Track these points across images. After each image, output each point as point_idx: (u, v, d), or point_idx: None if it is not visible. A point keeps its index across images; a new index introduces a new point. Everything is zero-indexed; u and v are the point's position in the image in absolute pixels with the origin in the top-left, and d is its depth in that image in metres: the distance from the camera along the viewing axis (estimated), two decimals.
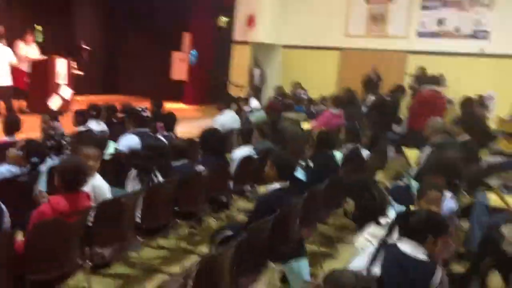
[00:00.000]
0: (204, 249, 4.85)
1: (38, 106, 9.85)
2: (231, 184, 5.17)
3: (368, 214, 3.22)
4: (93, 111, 6.06)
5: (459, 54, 13.38)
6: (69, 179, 3.15)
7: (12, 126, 5.05)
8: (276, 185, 3.76)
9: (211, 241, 3.89)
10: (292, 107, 8.55)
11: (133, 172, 4.09)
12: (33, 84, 10.12)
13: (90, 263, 3.38)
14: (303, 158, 5.22)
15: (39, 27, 12.90)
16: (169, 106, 10.91)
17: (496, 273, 4.07)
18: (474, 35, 13.34)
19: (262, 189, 6.13)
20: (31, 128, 5.84)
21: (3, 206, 3.01)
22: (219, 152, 4.90)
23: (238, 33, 14.12)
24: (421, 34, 14.02)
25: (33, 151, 3.95)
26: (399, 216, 2.79)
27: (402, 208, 4.04)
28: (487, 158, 6.22)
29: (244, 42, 14.32)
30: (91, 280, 3.62)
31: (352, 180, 4.45)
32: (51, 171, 3.83)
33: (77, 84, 11.19)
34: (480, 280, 3.98)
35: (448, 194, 3.72)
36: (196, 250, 4.81)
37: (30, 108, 9.94)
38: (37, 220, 2.98)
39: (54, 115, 5.59)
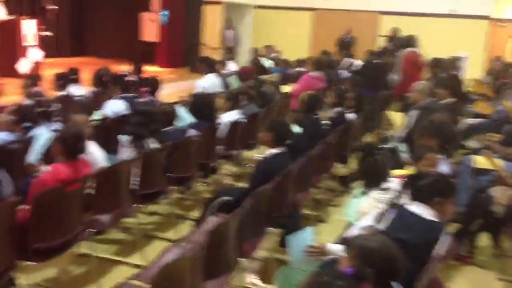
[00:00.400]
0: (195, 214, 4.85)
1: (7, 69, 9.51)
2: (219, 149, 5.15)
3: (372, 178, 3.24)
4: (74, 75, 5.87)
5: (431, 14, 13.49)
6: (70, 147, 3.08)
7: None
8: (273, 151, 3.76)
9: (208, 206, 3.89)
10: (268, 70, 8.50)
11: (125, 139, 4.01)
12: (1, 46, 9.70)
13: (91, 230, 3.34)
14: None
15: None
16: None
17: (484, 234, 4.23)
18: None
19: (247, 154, 6.18)
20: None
21: (4, 174, 2.92)
22: (210, 117, 4.85)
23: None
24: None
25: (25, 116, 3.84)
26: (409, 178, 2.83)
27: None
28: (466, 120, 6.36)
29: (216, 2, 14.03)
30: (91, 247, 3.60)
31: (357, 145, 4.46)
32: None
33: (44, 46, 10.78)
34: (469, 240, 4.12)
35: (441, 157, 3.79)
36: (188, 215, 4.81)
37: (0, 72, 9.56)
38: (39, 189, 2.91)
39: (35, 80, 5.39)
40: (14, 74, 9.45)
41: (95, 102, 5.30)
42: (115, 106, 5.10)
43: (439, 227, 2.61)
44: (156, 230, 4.48)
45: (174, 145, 4.18)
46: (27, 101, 4.69)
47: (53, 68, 10.78)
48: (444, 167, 3.84)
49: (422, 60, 7.30)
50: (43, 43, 10.56)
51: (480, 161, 4.68)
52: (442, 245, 2.57)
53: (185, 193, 5.26)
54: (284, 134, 3.79)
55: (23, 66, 9.89)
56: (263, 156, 3.82)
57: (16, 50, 9.68)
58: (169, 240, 4.29)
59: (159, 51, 14.11)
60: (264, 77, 7.78)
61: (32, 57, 10.15)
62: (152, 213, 4.74)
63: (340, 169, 5.69)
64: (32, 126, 4.06)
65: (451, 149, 4.09)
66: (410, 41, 7.30)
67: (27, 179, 3.39)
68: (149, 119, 4.02)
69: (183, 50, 14.37)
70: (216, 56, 13.42)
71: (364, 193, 3.36)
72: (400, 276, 2.08)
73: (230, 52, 13.71)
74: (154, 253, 3.96)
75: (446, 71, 7.31)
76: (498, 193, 4.04)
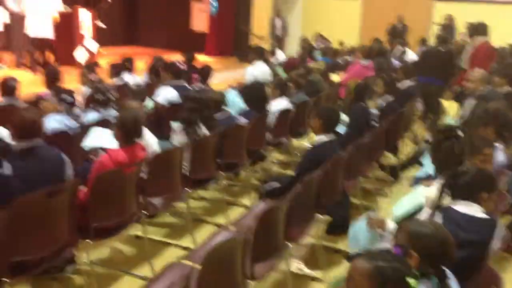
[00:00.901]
0: (244, 200, 4.94)
1: (65, 58, 9.90)
2: (268, 136, 5.19)
3: (447, 164, 3.09)
4: (128, 64, 6.05)
5: (488, 1, 13.01)
6: (128, 131, 3.21)
7: (53, 77, 5.08)
8: (323, 138, 3.78)
9: (259, 192, 3.96)
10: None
11: (178, 125, 4.11)
12: (59, 36, 10.07)
13: (145, 212, 3.47)
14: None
15: None
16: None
17: None
18: None
19: (295, 142, 6.21)
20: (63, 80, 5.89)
21: (65, 157, 3.07)
22: (262, 105, 4.91)
23: None
24: None
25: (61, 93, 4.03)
26: (449, 177, 2.75)
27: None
28: None
29: None
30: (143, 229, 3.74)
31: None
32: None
33: (99, 36, 11.13)
34: None
35: (499, 146, 3.68)
36: (236, 202, 4.90)
37: (58, 61, 9.96)
38: (98, 170, 3.05)
39: (92, 68, 5.60)
40: (71, 62, 9.84)
41: (148, 90, 5.44)
42: (166, 93, 5.23)
43: (492, 223, 2.55)
44: (205, 215, 4.58)
45: (225, 131, 4.26)
46: (84, 88, 4.87)
47: (106, 58, 11.18)
48: (500, 157, 3.74)
49: (493, 51, 6.95)
50: (97, 33, 10.91)
51: None
52: (497, 239, 2.52)
53: (233, 179, 5.36)
54: (334, 121, 3.80)
55: (80, 55, 10.26)
56: (312, 143, 3.83)
57: (74, 39, 10.04)
58: (218, 225, 4.40)
59: (208, 41, 14.27)
60: (312, 65, 7.73)
61: (88, 47, 10.50)
62: (201, 198, 4.85)
63: (389, 159, 5.63)
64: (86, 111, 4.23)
65: (509, 138, 3.94)
66: (484, 29, 6.84)
67: (84, 164, 3.56)
68: (201, 106, 4.11)
69: (232, 40, 14.49)
70: (265, 45, 13.50)
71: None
72: (451, 261, 2.06)
73: (279, 41, 13.71)
74: (203, 236, 4.10)
75: (504, 59, 7.02)
76: None
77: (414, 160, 5.56)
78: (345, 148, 3.99)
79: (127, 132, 3.22)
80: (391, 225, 2.79)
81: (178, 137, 4.08)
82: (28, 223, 2.59)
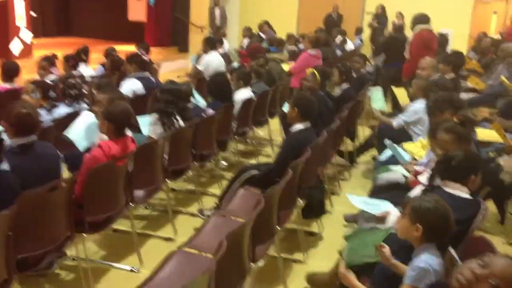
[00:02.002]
0: (213, 190, 5.03)
1: (0, 51, 9.43)
2: (233, 126, 5.29)
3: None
4: (84, 55, 5.91)
5: None
6: (119, 124, 3.21)
7: (11, 72, 4.90)
8: (300, 126, 3.94)
9: (234, 181, 4.05)
10: (267, 49, 8.60)
11: (154, 116, 4.12)
12: None
13: (131, 205, 3.49)
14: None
15: None
16: (128, 48, 10.69)
17: (491, 201, 4.50)
18: None
19: (259, 131, 6.35)
20: None
21: (59, 152, 3.04)
22: (228, 96, 4.99)
23: None
24: None
25: (46, 89, 3.96)
26: (440, 161, 2.98)
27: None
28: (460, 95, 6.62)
29: None
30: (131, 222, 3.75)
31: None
32: None
33: (31, 27, 10.67)
34: None
35: None
36: (206, 191, 4.98)
37: None
38: (90, 164, 3.03)
39: (52, 60, 5.42)
40: (7, 55, 9.38)
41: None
42: (131, 85, 5.18)
43: (477, 203, 2.78)
44: (179, 206, 4.63)
45: (200, 122, 4.32)
46: (48, 80, 4.74)
47: (41, 49, 10.73)
48: None
49: (435, 39, 7.31)
50: (31, 24, 10.46)
51: (483, 133, 4.95)
52: (481, 216, 2.76)
53: (199, 170, 5.42)
54: (310, 110, 3.95)
55: (15, 47, 9.81)
56: (291, 131, 3.97)
57: (9, 31, 9.58)
58: (194, 215, 4.47)
59: (146, 31, 14.04)
60: (274, 55, 7.89)
61: (23, 38, 10.06)
62: (172, 190, 4.87)
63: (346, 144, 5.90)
64: (57, 105, 4.15)
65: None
66: (426, 18, 7.20)
67: (73, 151, 3.51)
68: (177, 97, 4.14)
69: (170, 30, 14.34)
70: (203, 35, 13.47)
71: None
72: (451, 232, 2.29)
73: (219, 30, 13.73)
74: (184, 226, 4.17)
75: (443, 47, 7.50)
76: (506, 162, 4.30)
77: (369, 145, 5.87)
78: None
79: (118, 125, 3.22)
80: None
81: (154, 129, 4.09)
82: (31, 219, 2.57)
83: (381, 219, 3.04)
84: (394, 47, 7.87)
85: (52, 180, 2.76)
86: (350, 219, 4.30)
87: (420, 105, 5.09)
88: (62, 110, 4.21)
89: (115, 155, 3.14)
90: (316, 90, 5.43)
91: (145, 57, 5.44)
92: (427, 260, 2.24)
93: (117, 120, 3.21)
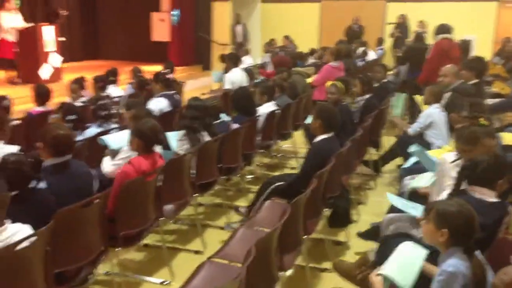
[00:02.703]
0: (240, 202, 5.11)
1: (29, 76, 9.74)
2: (257, 139, 5.38)
3: None
4: (112, 77, 6.11)
5: (437, 0, 13.68)
6: (149, 140, 3.33)
7: (43, 95, 5.11)
8: (323, 136, 4.00)
9: (260, 193, 4.12)
10: (296, 61, 8.69)
11: (181, 132, 4.24)
12: (22, 53, 9.91)
13: (161, 219, 3.59)
14: None
15: None
16: (154, 68, 10.94)
17: None
18: None
19: (283, 144, 6.42)
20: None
21: (93, 171, 3.17)
22: (251, 110, 5.10)
23: None
24: None
25: (68, 111, 4.13)
26: (466, 166, 2.99)
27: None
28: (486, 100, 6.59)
29: None
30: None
31: None
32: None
33: (60, 51, 11.00)
34: None
35: None
36: (234, 205, 5.06)
37: (22, 79, 9.81)
38: (122, 179, 3.15)
39: (81, 83, 5.63)
40: (36, 80, 9.67)
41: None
42: (158, 104, 5.34)
43: (504, 206, 2.79)
44: (207, 220, 4.72)
45: (224, 137, 4.42)
46: (79, 102, 4.93)
47: (70, 73, 11.07)
48: None
49: (456, 48, 7.30)
50: (60, 48, 10.78)
51: (507, 138, 4.92)
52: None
53: (225, 184, 5.51)
54: (333, 121, 4.01)
55: (45, 72, 10.13)
56: (315, 142, 4.04)
57: (38, 56, 9.90)
58: (222, 228, 4.55)
59: (170, 50, 14.31)
60: (299, 69, 7.99)
61: (52, 63, 10.38)
62: (199, 204, 4.96)
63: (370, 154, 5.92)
64: (77, 120, 4.31)
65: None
66: (447, 28, 7.23)
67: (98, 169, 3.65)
68: (203, 113, 4.26)
69: (194, 48, 14.60)
70: (227, 52, 13.68)
71: None
72: (477, 236, 2.31)
73: (241, 47, 13.92)
74: (212, 239, 4.25)
75: (466, 54, 7.48)
76: None
77: (393, 153, 5.88)
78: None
79: (147, 141, 3.34)
80: None
81: (181, 144, 4.21)
82: (67, 235, 2.68)
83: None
84: (416, 56, 7.89)
85: (86, 197, 2.88)
86: (376, 227, 4.30)
87: (432, 109, 5.13)
88: (93, 130, 4.37)
89: (145, 171, 3.26)
90: (340, 101, 5.49)
91: (170, 76, 5.60)
92: (455, 264, 2.26)
93: (146, 136, 3.34)
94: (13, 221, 2.37)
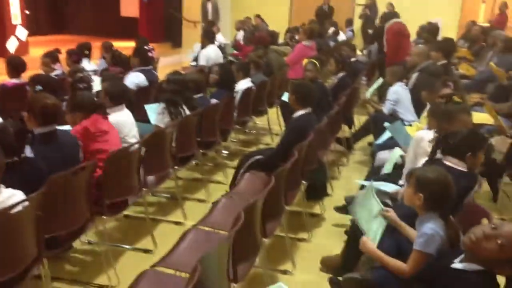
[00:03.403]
0: (217, 177, 5.21)
1: None
2: (234, 115, 5.47)
3: None
4: (86, 51, 6.05)
5: None
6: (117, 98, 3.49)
7: (18, 67, 5.05)
8: (301, 112, 4.11)
9: (241, 165, 4.23)
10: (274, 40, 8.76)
11: (161, 106, 4.29)
12: None
13: (144, 189, 3.66)
14: None
15: None
16: (123, 44, 10.82)
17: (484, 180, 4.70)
18: None
19: (257, 121, 6.52)
20: None
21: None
22: (231, 86, 5.17)
23: None
24: None
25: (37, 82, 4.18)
26: (441, 137, 3.16)
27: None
28: None
29: None
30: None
31: None
32: None
33: (25, 25, 10.74)
34: None
35: None
36: (211, 179, 5.15)
37: None
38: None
39: (55, 56, 5.56)
40: (3, 53, 9.45)
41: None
42: (134, 78, 5.35)
43: (473, 177, 2.96)
44: (186, 193, 4.79)
45: (204, 111, 4.49)
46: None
47: (36, 47, 10.83)
48: None
49: (407, 30, 7.64)
50: (25, 21, 10.53)
51: (475, 116, 5.15)
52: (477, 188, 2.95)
53: (201, 158, 5.58)
54: (309, 96, 4.13)
55: (12, 45, 9.90)
56: (293, 117, 4.15)
57: (5, 29, 9.66)
58: (201, 201, 4.64)
59: (139, 27, 14.12)
60: (276, 47, 8.07)
61: (18, 36, 10.14)
62: (177, 177, 5.03)
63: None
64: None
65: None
66: (395, 14, 7.57)
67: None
68: (183, 87, 4.31)
69: (164, 25, 14.45)
70: (196, 30, 13.61)
71: None
72: (452, 201, 2.49)
73: (212, 25, 13.85)
74: (192, 211, 4.34)
75: (434, 36, 7.72)
76: (498, 142, 4.51)
77: (365, 131, 6.07)
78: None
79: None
80: None
81: (160, 117, 4.25)
82: (58, 201, 2.73)
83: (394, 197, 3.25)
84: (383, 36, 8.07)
85: (73, 166, 2.92)
86: (350, 200, 4.49)
87: (396, 87, 5.35)
88: None
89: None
90: (317, 79, 5.61)
91: (151, 53, 5.62)
92: (433, 227, 2.44)
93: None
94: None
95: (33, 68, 5.86)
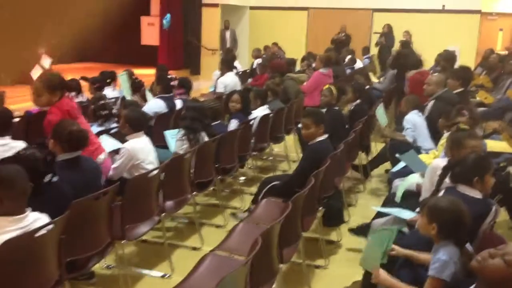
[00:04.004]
0: (234, 203, 5.26)
1: (19, 77, 9.78)
2: (252, 142, 5.54)
3: None
4: (109, 79, 6.23)
5: (423, 10, 14.03)
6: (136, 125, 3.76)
7: None
8: (319, 138, 4.17)
9: (260, 190, 4.28)
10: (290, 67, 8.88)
11: (180, 132, 4.38)
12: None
13: (163, 214, 3.73)
14: None
15: None
16: (143, 72, 11.05)
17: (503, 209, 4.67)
18: None
19: (274, 148, 6.59)
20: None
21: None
22: (247, 112, 5.27)
23: None
24: None
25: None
26: (447, 165, 3.19)
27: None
28: None
29: (214, 5, 14.38)
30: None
31: None
32: None
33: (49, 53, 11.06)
34: None
35: None
36: (228, 205, 5.20)
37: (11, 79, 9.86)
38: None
39: (100, 84, 5.77)
40: (27, 81, 9.70)
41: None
42: (156, 104, 5.48)
43: (487, 203, 2.97)
44: (203, 218, 4.84)
45: (222, 138, 4.57)
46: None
47: (65, 75, 11.12)
48: None
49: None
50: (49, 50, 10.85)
51: (492, 145, 5.15)
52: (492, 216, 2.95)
53: (218, 184, 5.64)
54: (326, 122, 4.20)
55: (36, 73, 10.17)
56: (311, 143, 4.20)
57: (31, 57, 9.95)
58: (218, 226, 4.69)
59: (160, 54, 14.42)
60: (293, 75, 8.18)
61: (42, 64, 10.42)
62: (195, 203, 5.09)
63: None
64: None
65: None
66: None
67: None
68: (202, 114, 4.41)
69: (183, 53, 14.74)
70: (215, 57, 13.86)
71: None
72: (466, 230, 2.50)
73: (230, 52, 14.10)
74: (210, 236, 4.38)
75: (451, 64, 7.72)
76: None
77: (381, 158, 6.08)
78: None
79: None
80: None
81: (180, 144, 4.35)
82: (80, 225, 2.80)
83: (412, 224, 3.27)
84: (403, 61, 8.09)
85: (95, 191, 3.00)
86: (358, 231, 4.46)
87: (412, 115, 5.37)
88: (94, 129, 4.47)
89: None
90: (332, 105, 5.67)
91: (174, 82, 5.79)
92: (447, 254, 2.45)
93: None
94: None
95: None
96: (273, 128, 5.94)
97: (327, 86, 5.77)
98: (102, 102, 4.52)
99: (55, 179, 2.81)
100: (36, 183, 2.62)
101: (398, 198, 3.82)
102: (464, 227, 2.51)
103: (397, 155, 4.69)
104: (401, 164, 4.78)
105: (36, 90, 3.76)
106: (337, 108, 5.75)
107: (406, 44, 9.59)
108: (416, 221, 3.31)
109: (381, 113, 6.08)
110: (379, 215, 3.80)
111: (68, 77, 6.55)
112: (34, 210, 2.50)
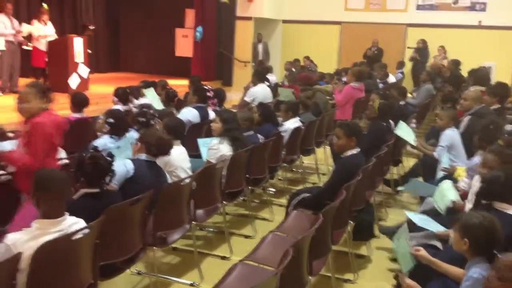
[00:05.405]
0: (263, 214, 5.27)
1: (59, 84, 10.04)
2: (282, 153, 5.56)
3: None
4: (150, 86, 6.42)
5: (458, 26, 13.85)
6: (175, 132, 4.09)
7: (81, 102, 5.38)
8: (351, 152, 4.16)
9: (290, 203, 4.29)
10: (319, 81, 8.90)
11: (213, 141, 4.45)
12: (53, 63, 10.26)
13: (194, 222, 3.77)
14: None
15: (45, 6, 12.91)
16: (176, 82, 11.22)
17: None
18: (472, 7, 13.77)
19: (304, 159, 6.59)
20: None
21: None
22: (276, 123, 5.32)
23: (240, 9, 14.34)
24: (419, 7, 14.40)
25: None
26: (482, 186, 3.14)
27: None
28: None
29: (247, 18, 14.53)
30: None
31: None
32: None
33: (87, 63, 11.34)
34: None
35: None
36: (257, 215, 5.22)
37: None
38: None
39: (138, 93, 5.93)
40: (65, 89, 9.99)
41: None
42: (190, 113, 5.58)
43: None
44: (232, 228, 4.87)
45: (254, 149, 4.61)
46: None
47: (96, 84, 11.43)
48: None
49: None
50: (87, 60, 11.13)
51: None
52: None
53: (248, 195, 5.66)
54: (360, 136, 4.19)
55: (74, 81, 10.45)
56: (343, 156, 4.19)
57: (68, 66, 10.23)
58: (247, 236, 4.71)
59: (193, 66, 14.62)
60: (320, 87, 8.21)
61: (80, 73, 10.70)
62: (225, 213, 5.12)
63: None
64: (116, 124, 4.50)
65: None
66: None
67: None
68: (237, 125, 4.48)
69: (215, 64, 14.93)
70: (247, 69, 13.97)
71: None
72: (499, 246, 2.47)
73: (262, 65, 14.20)
74: (238, 246, 4.40)
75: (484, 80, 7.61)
76: None
77: (413, 173, 6.00)
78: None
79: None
80: None
81: (213, 153, 4.41)
82: (115, 230, 2.87)
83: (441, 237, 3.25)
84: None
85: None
86: (386, 231, 4.44)
87: (450, 131, 5.26)
88: (131, 135, 4.53)
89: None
90: (374, 119, 5.63)
91: (209, 93, 5.89)
92: (479, 271, 2.42)
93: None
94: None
95: (92, 103, 6.20)
96: (303, 141, 5.95)
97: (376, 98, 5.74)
98: (144, 109, 4.63)
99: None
100: (97, 185, 2.93)
101: (442, 210, 3.80)
102: (497, 243, 2.47)
103: (399, 187, 4.71)
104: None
105: None
106: (384, 123, 5.66)
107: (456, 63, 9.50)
108: (445, 235, 3.29)
109: (404, 130, 5.80)
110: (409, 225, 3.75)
111: (104, 86, 6.80)
112: (87, 216, 2.63)
